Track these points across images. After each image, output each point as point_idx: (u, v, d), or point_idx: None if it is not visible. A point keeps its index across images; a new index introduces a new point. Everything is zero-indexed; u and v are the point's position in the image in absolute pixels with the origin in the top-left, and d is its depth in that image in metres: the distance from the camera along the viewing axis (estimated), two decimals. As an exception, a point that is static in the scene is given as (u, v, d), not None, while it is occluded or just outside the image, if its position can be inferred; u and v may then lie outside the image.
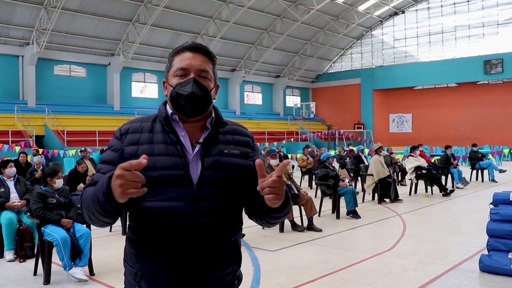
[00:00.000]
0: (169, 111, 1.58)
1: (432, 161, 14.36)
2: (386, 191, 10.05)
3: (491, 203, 5.06)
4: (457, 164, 13.01)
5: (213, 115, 1.61)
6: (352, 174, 12.60)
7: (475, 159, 14.53)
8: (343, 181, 8.77)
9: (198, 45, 1.59)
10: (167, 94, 1.59)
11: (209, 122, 1.59)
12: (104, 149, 15.33)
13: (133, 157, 1.51)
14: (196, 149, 1.54)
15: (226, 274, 1.57)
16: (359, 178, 12.14)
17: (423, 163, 11.48)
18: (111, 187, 1.29)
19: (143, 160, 1.26)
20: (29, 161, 10.67)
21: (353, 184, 11.31)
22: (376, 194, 10.19)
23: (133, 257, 1.55)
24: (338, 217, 8.26)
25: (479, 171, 14.39)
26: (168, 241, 1.49)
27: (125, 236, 1.63)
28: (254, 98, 35.13)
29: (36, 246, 5.14)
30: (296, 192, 7.22)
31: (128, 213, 1.60)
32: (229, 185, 1.54)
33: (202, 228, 1.49)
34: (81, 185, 8.17)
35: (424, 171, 11.27)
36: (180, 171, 1.49)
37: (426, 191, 11.32)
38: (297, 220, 7.27)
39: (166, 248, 1.49)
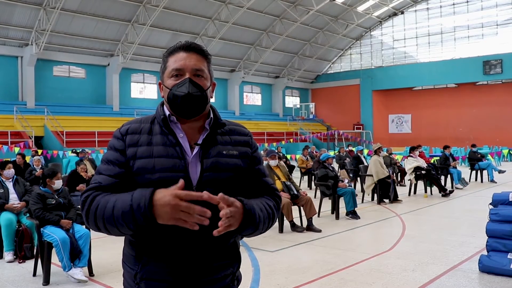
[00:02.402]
0: (167, 112, 1.57)
1: (432, 161, 14.37)
2: (385, 191, 10.05)
3: (490, 204, 5.07)
4: (456, 164, 13.01)
5: (212, 116, 1.60)
6: (351, 175, 12.61)
7: (475, 160, 14.54)
8: (343, 181, 8.77)
9: (192, 44, 1.57)
10: (164, 95, 1.58)
11: (207, 123, 1.58)
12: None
13: (132, 159, 1.51)
14: (195, 150, 1.53)
15: (226, 276, 1.57)
16: (358, 178, 12.14)
17: (422, 163, 11.48)
18: (152, 206, 1.31)
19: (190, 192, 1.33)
20: (28, 161, 10.65)
21: (353, 185, 11.32)
22: (375, 195, 10.19)
23: (132, 259, 1.55)
24: (337, 217, 8.26)
25: (479, 171, 14.40)
26: (167, 243, 1.49)
27: (124, 238, 1.62)
28: (254, 98, 35.13)
29: (35, 247, 5.14)
30: (295, 192, 7.22)
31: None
32: (228, 186, 1.54)
33: (201, 230, 1.48)
34: (81, 186, 8.08)
35: (423, 172, 11.28)
36: (179, 173, 1.48)
37: (426, 191, 11.32)
38: (297, 221, 7.27)
39: (166, 250, 1.49)
